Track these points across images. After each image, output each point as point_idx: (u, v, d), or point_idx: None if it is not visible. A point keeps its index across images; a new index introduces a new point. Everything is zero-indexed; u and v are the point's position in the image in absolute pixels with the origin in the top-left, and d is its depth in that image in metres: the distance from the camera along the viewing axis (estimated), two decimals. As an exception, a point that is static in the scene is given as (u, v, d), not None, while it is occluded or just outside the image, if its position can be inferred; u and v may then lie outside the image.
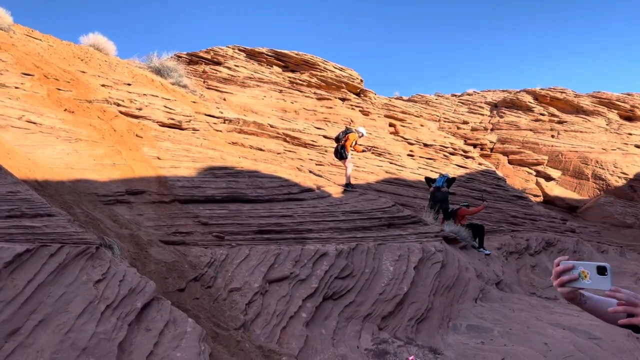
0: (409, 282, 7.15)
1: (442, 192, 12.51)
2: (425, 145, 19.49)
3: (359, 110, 19.52)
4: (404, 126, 20.48)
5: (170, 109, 10.65)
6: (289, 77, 19.50)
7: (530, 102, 27.51)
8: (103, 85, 10.20)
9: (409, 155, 18.09)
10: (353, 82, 20.46)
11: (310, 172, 11.91)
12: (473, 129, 26.73)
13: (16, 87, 8.01)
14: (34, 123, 7.04)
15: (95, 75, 10.70)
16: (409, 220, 9.34)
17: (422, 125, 21.72)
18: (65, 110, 8.17)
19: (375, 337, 6.04)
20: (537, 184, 22.70)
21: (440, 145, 19.87)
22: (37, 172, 5.80)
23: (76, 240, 3.98)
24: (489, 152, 24.72)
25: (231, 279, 5.67)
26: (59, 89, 8.85)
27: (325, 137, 15.46)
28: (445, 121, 26.86)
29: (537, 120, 26.57)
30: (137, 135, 8.67)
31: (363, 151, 12.33)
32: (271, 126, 14.02)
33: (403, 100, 27.97)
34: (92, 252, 3.98)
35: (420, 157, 18.40)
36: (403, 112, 21.79)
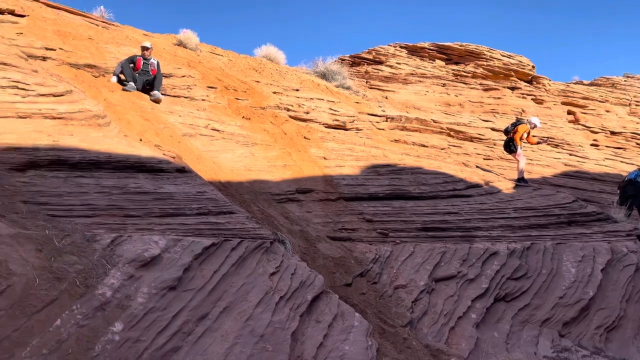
0: (595, 286, 6.41)
1: (635, 185, 10.94)
2: (613, 133, 17.30)
3: (532, 99, 18.09)
4: (585, 113, 18.45)
5: (335, 110, 11.04)
6: (453, 70, 18.88)
7: None
8: (274, 93, 10.98)
9: (592, 145, 16.24)
10: (523, 69, 19.02)
11: (477, 167, 11.38)
12: (674, 112, 22.98)
13: (203, 100, 9.03)
14: (218, 130, 7.85)
15: (268, 83, 11.56)
16: (594, 217, 8.37)
17: (607, 111, 19.33)
18: (243, 117, 8.98)
19: (556, 344, 5.53)
20: None
21: (632, 133, 17.47)
22: (220, 174, 6.46)
23: (253, 235, 4.34)
24: (697, 138, 21.02)
25: (396, 276, 5.67)
26: (238, 99, 9.75)
27: (493, 129, 14.63)
28: (637, 105, 23.57)
29: None
30: (305, 137, 9.15)
31: (538, 143, 11.37)
32: (434, 121, 13.72)
33: (584, 84, 25.18)
34: (267, 246, 4.29)
35: (606, 146, 16.39)
36: (584, 98, 19.62)
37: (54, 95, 5.32)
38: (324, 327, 3.78)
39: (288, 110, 10.23)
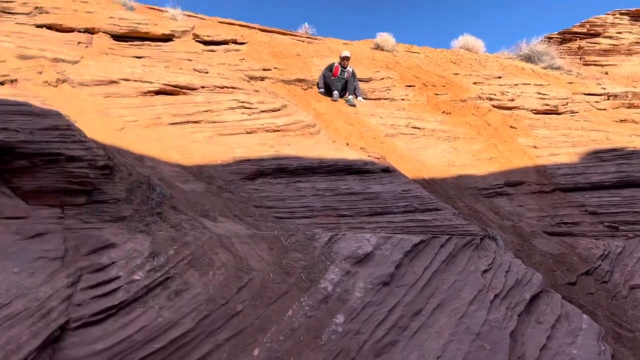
0: None
1: None
2: None
3: None
4: None
5: (544, 94, 10.18)
6: (693, 30, 15.80)
7: None
8: (474, 83, 10.59)
9: None
10: None
11: None
12: None
13: (402, 99, 9.17)
14: (418, 128, 7.89)
15: (467, 74, 11.20)
16: None
17: None
18: (442, 112, 8.87)
19: None
20: None
21: None
22: (423, 172, 6.49)
23: (461, 232, 4.26)
24: None
25: (631, 275, 4.98)
26: (436, 94, 9.66)
27: None
28: None
29: None
30: (511, 127, 8.63)
31: None
32: (672, 94, 11.65)
33: None
34: (476, 243, 4.18)
35: None
36: None
37: (273, 111, 5.99)
38: (546, 328, 3.53)
39: (490, 99, 9.77)
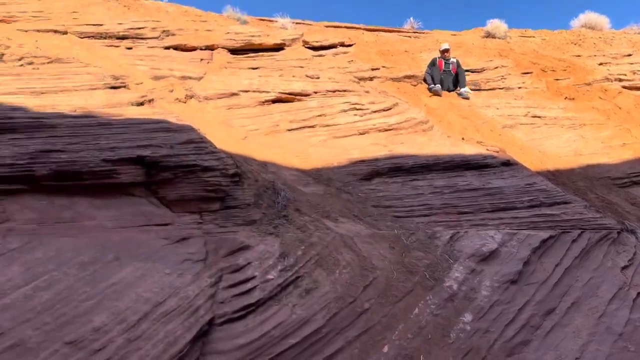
0: None
1: None
2: None
3: None
4: None
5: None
6: None
7: None
8: (600, 64, 9.77)
9: None
10: None
11: None
12: None
13: (519, 87, 8.73)
14: (538, 117, 7.47)
15: (591, 55, 10.37)
16: None
17: None
18: (565, 98, 8.30)
19: None
20: None
21: None
22: (547, 163, 6.13)
23: (594, 225, 3.99)
24: None
25: None
26: (557, 79, 9.07)
27: None
28: None
29: None
30: (646, 108, 7.86)
31: None
32: None
33: None
34: (613, 237, 3.89)
35: None
36: None
37: (384, 110, 6.02)
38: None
39: (620, 80, 8.95)
